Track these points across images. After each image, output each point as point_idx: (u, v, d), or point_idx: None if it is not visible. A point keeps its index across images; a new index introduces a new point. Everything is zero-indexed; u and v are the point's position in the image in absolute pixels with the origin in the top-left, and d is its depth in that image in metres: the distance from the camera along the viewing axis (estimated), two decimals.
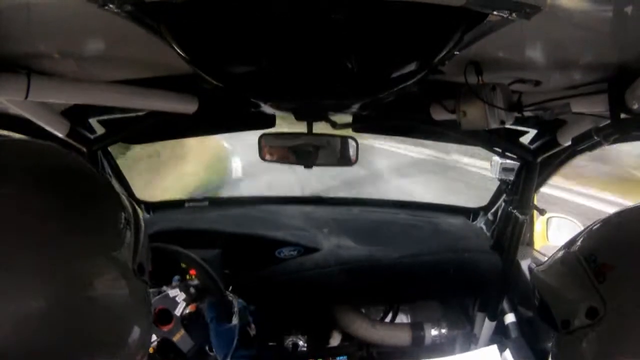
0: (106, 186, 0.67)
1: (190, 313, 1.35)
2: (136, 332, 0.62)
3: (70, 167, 0.64)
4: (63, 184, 0.60)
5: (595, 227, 0.78)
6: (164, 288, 1.38)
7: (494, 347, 1.31)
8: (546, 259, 0.85)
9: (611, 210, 0.83)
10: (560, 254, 0.80)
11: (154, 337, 1.30)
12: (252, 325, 1.41)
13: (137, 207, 0.69)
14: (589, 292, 0.69)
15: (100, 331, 0.58)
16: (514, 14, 0.64)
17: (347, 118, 1.56)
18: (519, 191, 1.69)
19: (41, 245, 0.54)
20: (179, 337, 1.32)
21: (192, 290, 1.36)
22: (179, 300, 1.34)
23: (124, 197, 0.68)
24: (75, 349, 0.56)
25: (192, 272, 1.44)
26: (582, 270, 0.72)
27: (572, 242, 0.79)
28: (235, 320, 1.34)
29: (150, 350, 1.31)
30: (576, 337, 0.71)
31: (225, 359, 1.29)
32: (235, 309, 1.36)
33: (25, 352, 0.52)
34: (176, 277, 1.40)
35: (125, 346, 0.61)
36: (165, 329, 1.32)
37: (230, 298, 1.40)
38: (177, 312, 1.33)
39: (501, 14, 0.65)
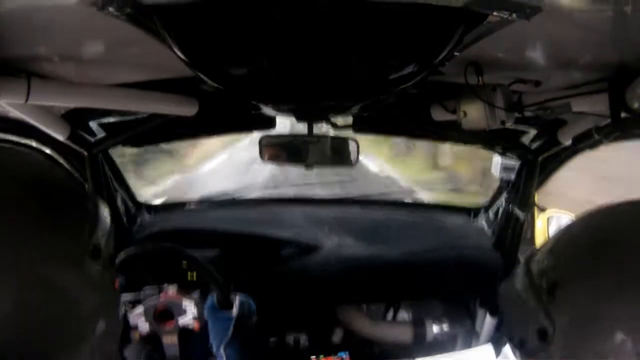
0: (56, 177, 0.65)
1: (191, 330, 1.34)
2: (94, 318, 0.61)
3: (14, 163, 0.63)
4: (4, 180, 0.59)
5: (552, 238, 0.74)
6: (165, 286, 1.38)
7: (489, 346, 1.31)
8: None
9: None
10: (521, 266, 0.74)
11: (146, 327, 1.30)
12: (254, 318, 1.41)
13: (96, 196, 0.68)
14: (539, 311, 0.65)
15: (51, 323, 0.57)
16: (513, 15, 0.64)
17: (348, 119, 1.56)
18: (519, 190, 1.69)
19: None
20: (169, 342, 1.32)
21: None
22: (189, 312, 1.33)
23: (80, 186, 0.67)
24: (32, 342, 0.55)
25: (193, 270, 1.44)
26: (534, 287, 0.68)
27: (531, 254, 0.74)
28: (234, 311, 1.34)
29: (136, 335, 1.31)
30: (533, 354, 0.66)
31: (219, 347, 1.28)
32: (237, 301, 1.36)
33: None
34: (197, 292, 1.39)
35: (83, 334, 0.60)
36: (161, 326, 1.32)
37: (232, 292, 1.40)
38: (181, 321, 1.33)
39: (501, 15, 0.65)
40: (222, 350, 1.27)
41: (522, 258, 1.77)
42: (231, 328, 1.30)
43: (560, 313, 0.62)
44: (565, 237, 0.72)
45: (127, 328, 1.32)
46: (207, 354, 1.33)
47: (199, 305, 1.35)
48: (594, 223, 0.70)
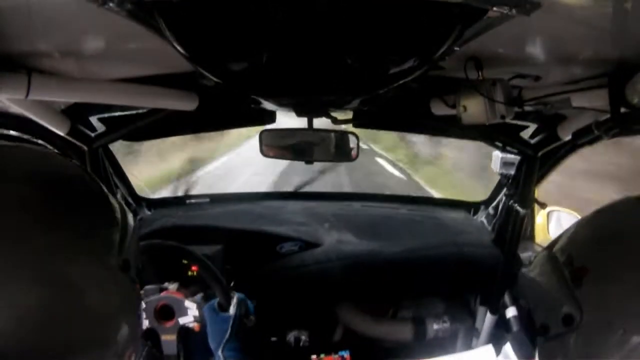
0: (90, 185, 0.66)
1: (191, 330, 1.34)
2: (122, 328, 0.61)
3: (51, 167, 0.64)
4: (42, 184, 0.59)
5: (576, 226, 0.74)
6: (166, 284, 1.38)
7: (490, 347, 1.32)
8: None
9: None
10: (543, 254, 0.75)
11: (146, 323, 1.30)
12: (251, 317, 1.41)
13: (125, 206, 0.68)
14: (565, 297, 0.65)
15: (83, 329, 0.57)
16: (513, 10, 0.64)
17: (348, 114, 1.57)
18: (519, 185, 1.69)
19: (18, 243, 0.54)
20: (168, 339, 1.32)
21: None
22: (190, 313, 1.33)
23: (110, 196, 0.67)
24: (57, 348, 0.55)
25: (194, 268, 1.44)
26: (559, 273, 0.68)
27: (554, 242, 0.75)
28: (232, 311, 1.34)
29: None
30: (554, 344, 0.67)
31: (217, 348, 1.29)
32: (234, 300, 1.36)
33: (4, 354, 0.52)
34: (200, 295, 1.39)
35: (111, 343, 0.60)
36: (161, 324, 1.32)
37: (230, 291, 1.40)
38: (182, 320, 1.33)
39: (501, 10, 0.65)
40: (220, 352, 1.27)
41: (521, 253, 1.79)
42: (229, 328, 1.29)
43: (589, 301, 0.63)
44: (592, 226, 0.73)
45: None
46: (207, 354, 1.33)
47: (201, 307, 1.35)
48: (622, 212, 0.71)
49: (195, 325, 1.33)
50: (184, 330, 1.33)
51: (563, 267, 0.68)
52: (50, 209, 0.57)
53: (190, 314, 1.32)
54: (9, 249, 0.53)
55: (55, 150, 1.48)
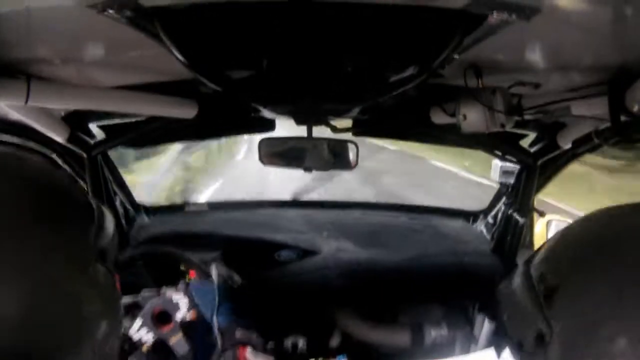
0: (59, 181, 0.65)
1: (191, 321, 1.34)
2: (102, 323, 0.61)
3: (16, 166, 0.64)
4: (5, 182, 0.59)
5: (550, 240, 0.72)
6: (164, 289, 1.37)
7: (491, 351, 1.31)
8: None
9: None
10: (520, 270, 0.73)
11: (150, 337, 1.31)
12: (235, 278, 1.44)
13: (101, 206, 0.68)
14: (537, 315, 0.63)
15: (58, 325, 0.56)
16: (513, 16, 0.64)
17: (347, 122, 1.56)
18: (519, 194, 1.68)
19: None
20: (175, 340, 1.32)
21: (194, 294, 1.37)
22: (181, 305, 1.34)
23: (82, 190, 0.67)
24: (34, 343, 0.55)
25: (192, 274, 1.44)
26: (533, 290, 0.66)
27: (532, 256, 0.73)
28: (215, 277, 1.38)
29: (144, 349, 1.31)
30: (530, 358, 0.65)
31: (212, 316, 1.30)
32: (213, 269, 1.39)
33: None
34: (182, 282, 1.40)
35: (88, 336, 0.59)
36: (164, 330, 1.32)
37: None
38: (178, 316, 1.33)
39: (500, 16, 0.65)
40: (214, 319, 1.30)
41: (520, 262, 1.78)
42: (216, 296, 1.32)
43: (559, 319, 0.61)
44: (563, 241, 0.71)
45: (133, 346, 1.32)
46: (212, 337, 1.34)
47: (188, 293, 1.36)
48: (592, 227, 0.69)
49: (191, 314, 1.34)
50: (184, 325, 1.34)
51: (536, 284, 0.66)
52: (16, 208, 0.57)
53: (182, 306, 1.34)
54: None
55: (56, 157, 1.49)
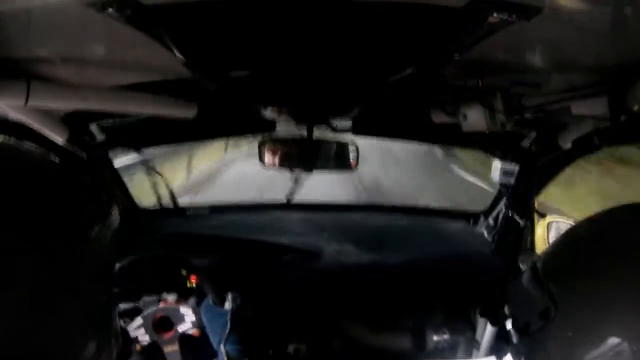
0: (62, 183, 0.65)
1: (192, 336, 1.33)
2: (95, 331, 0.61)
3: (28, 167, 0.63)
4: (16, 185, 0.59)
5: (556, 241, 0.84)
6: (164, 295, 1.37)
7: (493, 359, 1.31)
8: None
9: None
10: (527, 272, 0.84)
11: (146, 338, 1.30)
12: (251, 311, 1.41)
13: (112, 207, 0.67)
14: (543, 294, 0.73)
15: (54, 330, 0.56)
16: (514, 16, 0.64)
17: (347, 122, 1.56)
18: (519, 195, 1.68)
19: None
20: (171, 350, 1.31)
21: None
22: (187, 319, 1.33)
23: (83, 193, 0.66)
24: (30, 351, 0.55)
25: (193, 278, 1.43)
26: (540, 281, 0.76)
27: (537, 258, 0.84)
28: (228, 305, 1.33)
29: (138, 347, 1.30)
30: (534, 339, 0.75)
31: (219, 344, 1.28)
32: (229, 296, 1.35)
33: None
34: (193, 299, 1.39)
35: (83, 348, 0.59)
36: (161, 336, 1.31)
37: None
38: (180, 327, 1.32)
39: (501, 16, 0.65)
40: (222, 347, 1.27)
41: (522, 264, 1.78)
42: (228, 323, 1.29)
43: (562, 295, 0.70)
44: (567, 241, 0.80)
45: (128, 341, 1.32)
46: (209, 358, 1.32)
47: (197, 311, 1.35)
48: (594, 227, 0.77)
49: (194, 331, 1.32)
50: (184, 339, 1.32)
51: (545, 281, 0.76)
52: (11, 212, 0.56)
53: (187, 320, 1.32)
54: None
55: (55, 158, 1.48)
